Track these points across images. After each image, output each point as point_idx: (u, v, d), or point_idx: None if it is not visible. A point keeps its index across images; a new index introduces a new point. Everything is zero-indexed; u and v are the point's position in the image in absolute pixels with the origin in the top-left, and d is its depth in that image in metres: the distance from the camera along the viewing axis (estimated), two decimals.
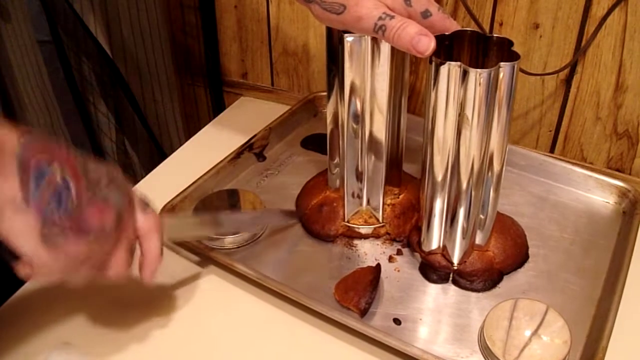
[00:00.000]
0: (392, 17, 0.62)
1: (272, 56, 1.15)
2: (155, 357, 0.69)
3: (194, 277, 0.77)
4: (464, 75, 0.62)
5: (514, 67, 0.63)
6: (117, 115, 1.18)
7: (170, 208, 0.82)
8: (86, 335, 0.70)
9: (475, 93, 0.63)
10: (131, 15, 1.06)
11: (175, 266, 0.79)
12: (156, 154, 1.19)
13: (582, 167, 0.90)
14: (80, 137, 1.16)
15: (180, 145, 1.04)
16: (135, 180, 0.97)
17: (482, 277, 0.75)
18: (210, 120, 1.12)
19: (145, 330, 0.71)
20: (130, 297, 0.75)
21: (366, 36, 0.68)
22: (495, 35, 0.67)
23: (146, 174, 0.96)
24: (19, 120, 1.05)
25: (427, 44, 0.61)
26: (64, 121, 1.11)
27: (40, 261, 0.55)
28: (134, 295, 0.75)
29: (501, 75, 0.63)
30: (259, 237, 0.81)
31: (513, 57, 0.63)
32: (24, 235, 0.53)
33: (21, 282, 0.76)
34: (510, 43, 0.65)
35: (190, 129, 1.23)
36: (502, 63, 0.62)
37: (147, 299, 0.74)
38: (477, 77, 0.62)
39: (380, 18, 0.62)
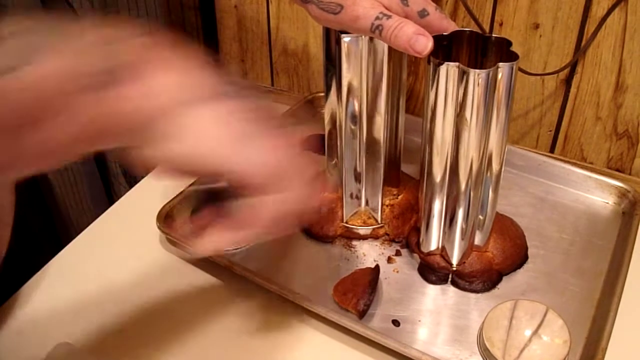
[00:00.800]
0: (389, 17, 0.62)
1: (272, 56, 1.15)
2: (155, 356, 0.69)
3: (192, 278, 0.77)
4: (463, 75, 0.62)
5: (512, 67, 0.63)
6: None
7: (169, 209, 0.82)
8: (86, 335, 0.70)
9: (473, 93, 0.62)
10: (131, 16, 1.06)
11: (173, 267, 0.79)
12: None
13: (582, 167, 0.90)
14: None
15: None
16: (135, 180, 0.97)
17: (481, 278, 0.74)
18: None
19: (144, 330, 0.71)
20: (130, 297, 0.75)
21: (363, 36, 0.67)
22: (494, 35, 0.66)
23: (146, 174, 0.96)
24: None
25: (425, 44, 0.61)
26: None
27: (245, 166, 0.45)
28: (134, 295, 0.75)
29: (500, 75, 0.63)
30: None
31: (512, 57, 0.63)
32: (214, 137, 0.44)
33: (21, 282, 0.76)
34: (509, 43, 0.64)
35: None
36: (500, 63, 0.62)
37: (146, 299, 0.74)
38: (476, 77, 0.61)
39: (377, 18, 0.62)
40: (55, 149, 0.39)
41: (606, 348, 0.64)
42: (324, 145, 0.81)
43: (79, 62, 0.39)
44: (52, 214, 1.09)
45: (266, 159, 0.46)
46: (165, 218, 0.81)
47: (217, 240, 0.49)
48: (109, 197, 1.16)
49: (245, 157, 0.44)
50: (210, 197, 0.47)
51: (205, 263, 0.78)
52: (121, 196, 0.92)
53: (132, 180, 1.15)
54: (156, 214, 0.81)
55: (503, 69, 0.62)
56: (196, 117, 0.43)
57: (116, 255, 0.81)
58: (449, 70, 0.63)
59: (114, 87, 0.40)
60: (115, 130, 0.41)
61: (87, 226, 0.86)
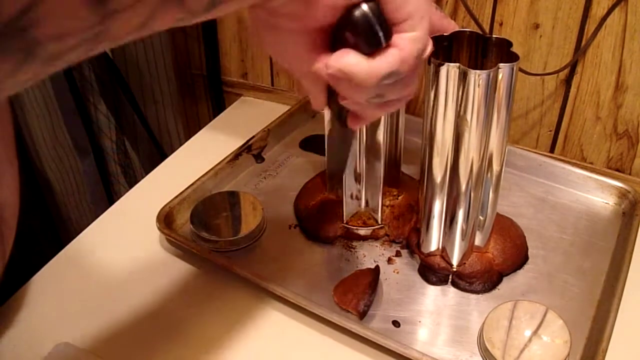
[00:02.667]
0: None
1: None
2: (155, 356, 0.69)
3: (192, 278, 0.77)
4: (463, 76, 0.62)
5: (513, 68, 0.63)
6: (117, 115, 1.18)
7: (169, 210, 0.82)
8: (86, 335, 0.70)
9: (474, 94, 0.62)
10: None
11: (174, 268, 0.79)
12: (156, 154, 1.19)
13: (582, 167, 0.90)
14: (80, 137, 1.16)
15: (180, 145, 1.04)
16: (135, 180, 0.97)
17: (481, 278, 0.74)
18: (210, 120, 1.12)
19: (144, 330, 0.71)
20: (129, 297, 0.75)
21: None
22: (494, 36, 0.66)
23: (146, 174, 0.96)
24: (19, 120, 1.05)
25: None
26: (64, 121, 1.11)
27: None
28: (134, 295, 0.75)
29: (500, 76, 0.63)
30: (257, 238, 0.81)
31: (512, 58, 0.63)
32: None
33: (21, 281, 0.76)
34: (510, 44, 0.64)
35: (190, 129, 1.23)
36: (501, 64, 0.62)
37: (146, 299, 0.74)
38: (476, 78, 0.61)
39: None
40: None
41: (607, 349, 0.64)
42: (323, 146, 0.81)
43: None
44: (52, 214, 1.09)
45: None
46: (165, 219, 0.81)
47: (350, 58, 0.45)
48: (109, 197, 1.16)
49: None
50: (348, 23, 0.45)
51: (206, 264, 0.78)
52: (121, 196, 0.92)
53: (132, 180, 1.15)
54: (156, 214, 0.81)
55: (504, 69, 0.62)
56: None
57: (116, 255, 0.81)
58: (449, 71, 0.63)
59: None
60: None
61: (87, 226, 0.86)
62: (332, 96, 0.50)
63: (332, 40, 0.46)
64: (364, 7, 0.42)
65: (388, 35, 0.44)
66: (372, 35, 0.44)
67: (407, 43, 0.45)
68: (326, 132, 0.79)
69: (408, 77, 0.48)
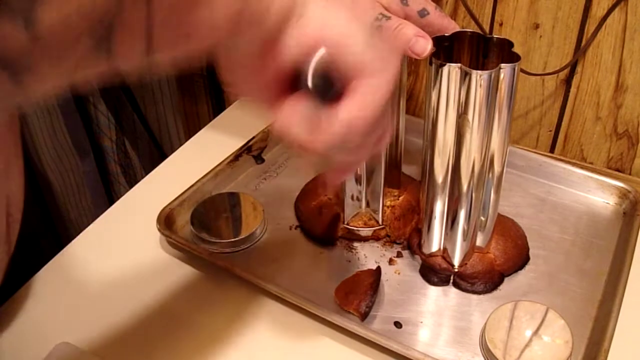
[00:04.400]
0: (388, 18, 0.62)
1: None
2: (155, 357, 0.68)
3: (192, 279, 0.77)
4: (465, 76, 0.62)
5: (514, 68, 0.63)
6: (117, 115, 1.18)
7: (169, 211, 0.82)
8: (86, 335, 0.70)
9: (475, 95, 0.62)
10: None
11: (173, 267, 0.79)
12: (156, 154, 1.19)
13: (582, 167, 0.90)
14: (80, 137, 1.16)
15: (180, 145, 1.04)
16: (135, 180, 0.97)
17: (483, 279, 0.74)
18: (210, 120, 1.11)
19: (144, 331, 0.71)
20: (129, 297, 0.75)
21: None
22: (495, 36, 0.66)
23: (146, 174, 0.96)
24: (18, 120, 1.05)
25: (424, 46, 0.61)
26: (64, 121, 1.11)
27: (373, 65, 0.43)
28: (134, 296, 0.75)
29: (502, 76, 0.63)
30: (257, 240, 0.81)
31: (513, 58, 0.63)
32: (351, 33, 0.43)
33: (21, 281, 0.76)
34: (511, 44, 0.64)
35: (190, 129, 1.23)
36: (502, 64, 0.62)
37: (146, 299, 0.74)
38: (478, 78, 0.61)
39: (376, 19, 0.62)
40: (199, 30, 0.37)
41: (609, 349, 0.64)
42: None
43: None
44: (52, 214, 1.09)
45: (378, 43, 0.44)
46: (166, 220, 0.81)
47: (295, 110, 0.44)
48: (109, 197, 1.16)
49: (360, 36, 0.43)
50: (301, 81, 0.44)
51: (206, 265, 0.78)
52: (121, 196, 0.92)
53: (132, 180, 1.15)
54: (156, 213, 0.81)
55: (505, 70, 0.62)
56: (318, 3, 0.43)
57: (116, 256, 0.81)
58: (450, 71, 0.63)
59: None
60: (254, 19, 0.40)
61: (87, 226, 0.86)
62: None
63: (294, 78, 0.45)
64: (309, 78, 0.42)
65: (336, 96, 0.43)
66: (321, 98, 0.43)
67: (349, 114, 0.43)
68: None
69: (364, 140, 0.46)
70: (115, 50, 0.32)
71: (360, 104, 0.43)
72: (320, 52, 0.42)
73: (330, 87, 0.43)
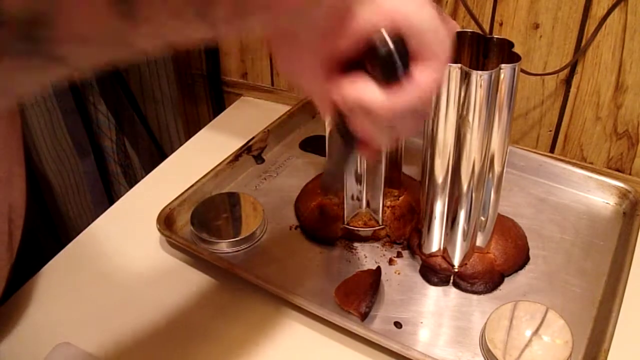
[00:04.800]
0: None
1: (272, 56, 1.14)
2: (155, 356, 0.68)
3: (193, 279, 0.77)
4: (465, 77, 0.62)
5: (514, 69, 0.63)
6: (117, 115, 1.18)
7: (169, 211, 0.82)
8: (86, 335, 0.70)
9: (476, 95, 0.62)
10: None
11: (173, 267, 0.79)
12: (156, 154, 1.19)
13: (582, 168, 0.90)
14: (80, 137, 1.16)
15: (180, 145, 1.04)
16: (135, 180, 0.97)
17: (483, 279, 0.74)
18: (210, 120, 1.11)
19: (144, 331, 0.71)
20: (129, 297, 0.75)
21: None
22: (495, 36, 0.66)
23: (146, 174, 0.96)
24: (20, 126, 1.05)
25: None
26: (64, 121, 1.11)
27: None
28: (134, 295, 0.75)
29: (502, 76, 0.63)
30: (257, 240, 0.81)
31: (514, 58, 0.63)
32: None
33: (21, 282, 0.76)
34: (511, 44, 0.64)
35: (190, 129, 1.23)
36: (503, 65, 0.62)
37: (146, 299, 0.74)
38: (478, 79, 0.61)
39: None
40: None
41: (609, 349, 0.64)
42: (323, 146, 0.81)
43: None
44: (52, 214, 1.09)
45: (442, 26, 0.45)
46: (166, 220, 0.81)
47: (367, 91, 0.45)
48: (109, 197, 1.16)
49: (430, 18, 0.44)
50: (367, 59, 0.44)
51: (207, 266, 0.78)
52: (121, 196, 0.92)
53: (132, 180, 1.15)
54: (156, 213, 0.81)
55: (505, 70, 0.62)
56: None
57: (116, 256, 0.81)
58: (451, 72, 0.63)
59: None
60: None
61: (87, 226, 0.86)
62: (340, 117, 0.49)
63: (350, 62, 0.45)
64: (389, 42, 0.42)
65: (407, 71, 0.44)
66: (392, 71, 0.43)
67: (427, 80, 0.45)
68: (327, 133, 0.79)
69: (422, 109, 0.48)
70: (209, 10, 0.32)
71: (430, 74, 0.45)
72: (388, 40, 0.42)
73: (402, 58, 0.43)
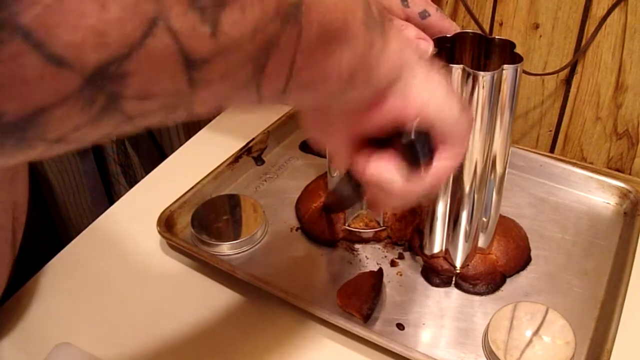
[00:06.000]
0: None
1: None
2: (154, 357, 0.68)
3: (193, 280, 0.77)
4: (467, 77, 0.62)
5: (517, 69, 0.63)
6: None
7: (169, 213, 0.82)
8: (86, 335, 0.70)
9: (478, 96, 0.62)
10: None
11: (173, 268, 0.78)
12: (156, 154, 1.18)
13: (583, 168, 0.90)
14: None
15: (180, 145, 1.03)
16: (135, 180, 0.97)
17: (485, 280, 0.74)
18: (210, 121, 1.11)
19: (144, 331, 0.71)
20: (129, 297, 0.75)
21: None
22: (497, 37, 0.66)
23: (146, 174, 0.96)
24: None
25: (425, 49, 0.61)
26: None
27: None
28: (134, 296, 0.75)
29: (504, 77, 0.63)
30: (258, 242, 0.81)
31: (515, 59, 0.63)
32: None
33: (21, 282, 0.76)
34: (513, 45, 0.64)
35: (190, 128, 1.23)
36: (505, 65, 0.62)
37: (146, 299, 0.74)
38: (480, 79, 0.61)
39: None
40: (327, 77, 0.38)
41: (611, 349, 0.64)
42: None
43: None
44: (52, 214, 1.08)
45: (465, 117, 0.47)
46: (166, 222, 0.81)
47: (389, 173, 0.47)
48: (109, 197, 1.15)
49: (455, 112, 0.46)
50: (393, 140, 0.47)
51: (208, 268, 0.78)
52: (121, 196, 0.92)
53: (132, 180, 1.15)
54: (156, 214, 0.81)
55: (507, 71, 0.62)
56: (422, 72, 0.45)
57: (116, 256, 0.81)
58: (453, 73, 0.63)
59: (382, 35, 0.41)
60: (368, 75, 0.41)
61: (87, 226, 0.86)
62: (354, 178, 0.51)
63: (376, 141, 0.47)
64: (414, 134, 0.44)
65: (429, 163, 0.46)
66: (414, 159, 0.45)
67: (443, 168, 0.47)
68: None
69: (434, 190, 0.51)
70: (262, 84, 0.33)
71: (448, 162, 0.47)
72: (413, 135, 0.45)
73: (424, 148, 0.46)
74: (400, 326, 0.70)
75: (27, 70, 0.23)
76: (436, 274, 0.76)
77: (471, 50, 0.68)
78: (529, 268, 0.77)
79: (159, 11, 0.25)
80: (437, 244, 0.75)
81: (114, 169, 1.12)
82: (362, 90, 0.42)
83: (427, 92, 0.44)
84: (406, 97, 0.43)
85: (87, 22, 0.23)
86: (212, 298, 0.75)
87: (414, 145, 0.45)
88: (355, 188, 0.53)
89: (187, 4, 0.26)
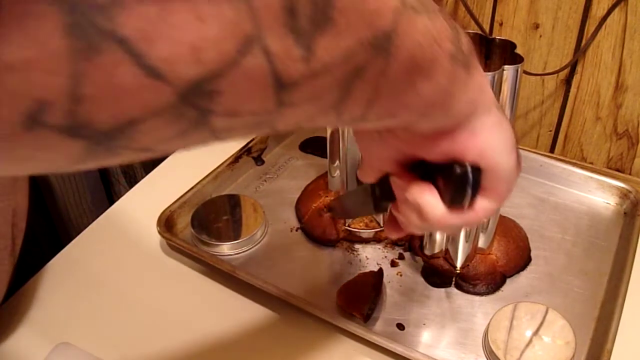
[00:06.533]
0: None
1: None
2: (155, 357, 0.68)
3: (193, 280, 0.77)
4: None
5: (517, 69, 0.63)
6: None
7: (169, 214, 0.82)
8: (86, 335, 0.70)
9: None
10: None
11: (173, 268, 0.78)
12: None
13: (583, 168, 0.90)
14: None
15: None
16: (135, 180, 0.96)
17: (485, 280, 0.74)
18: None
19: (144, 331, 0.71)
20: (129, 298, 0.75)
21: None
22: (497, 37, 0.66)
23: (146, 174, 0.96)
24: None
25: None
26: None
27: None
28: (133, 296, 0.75)
29: (504, 77, 0.63)
30: (258, 242, 0.81)
31: (516, 59, 0.63)
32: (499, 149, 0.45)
33: (21, 282, 0.76)
34: (513, 45, 0.64)
35: None
36: (505, 66, 0.62)
37: (146, 299, 0.74)
38: None
39: None
40: (407, 106, 0.38)
41: (612, 349, 0.64)
42: (323, 147, 0.81)
43: (448, 28, 0.38)
44: (52, 214, 1.08)
45: (517, 171, 0.48)
46: (166, 222, 0.81)
47: (431, 200, 0.47)
48: (109, 197, 1.15)
49: (512, 164, 0.46)
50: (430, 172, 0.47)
51: (208, 268, 0.78)
52: (121, 196, 0.92)
53: (132, 180, 1.15)
54: (156, 214, 0.81)
55: (508, 71, 0.62)
56: (496, 116, 0.45)
57: (116, 256, 0.81)
58: None
59: (466, 68, 0.40)
60: (447, 107, 0.41)
61: (87, 226, 0.86)
62: (383, 191, 0.50)
63: (421, 165, 0.47)
64: (469, 173, 0.44)
65: (474, 200, 0.46)
66: (460, 197, 0.45)
67: (484, 210, 0.47)
68: (328, 134, 0.79)
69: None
70: (344, 110, 0.33)
71: (491, 205, 0.47)
72: (468, 170, 0.44)
73: (475, 184, 0.45)
74: (401, 326, 0.70)
75: (123, 81, 0.22)
76: (436, 274, 0.75)
77: None
78: (529, 268, 0.77)
79: (257, 32, 0.25)
80: (437, 244, 0.75)
81: (114, 169, 1.12)
82: (437, 120, 0.42)
83: (495, 136, 0.44)
84: (476, 134, 0.43)
85: (186, 37, 0.23)
86: (212, 298, 0.75)
87: (466, 185, 0.44)
88: (378, 202, 0.52)
89: (285, 27, 0.26)
